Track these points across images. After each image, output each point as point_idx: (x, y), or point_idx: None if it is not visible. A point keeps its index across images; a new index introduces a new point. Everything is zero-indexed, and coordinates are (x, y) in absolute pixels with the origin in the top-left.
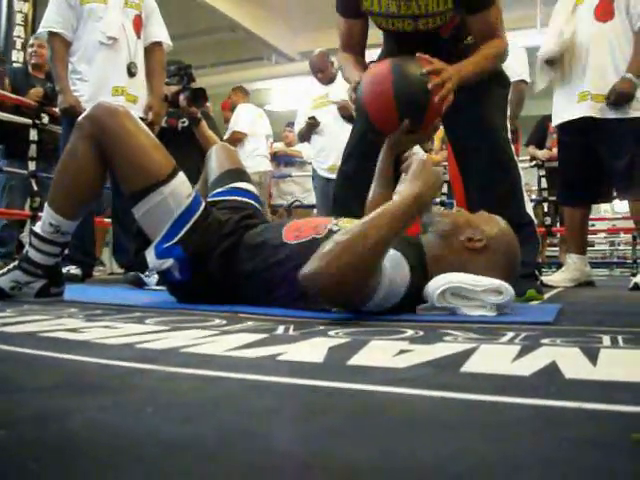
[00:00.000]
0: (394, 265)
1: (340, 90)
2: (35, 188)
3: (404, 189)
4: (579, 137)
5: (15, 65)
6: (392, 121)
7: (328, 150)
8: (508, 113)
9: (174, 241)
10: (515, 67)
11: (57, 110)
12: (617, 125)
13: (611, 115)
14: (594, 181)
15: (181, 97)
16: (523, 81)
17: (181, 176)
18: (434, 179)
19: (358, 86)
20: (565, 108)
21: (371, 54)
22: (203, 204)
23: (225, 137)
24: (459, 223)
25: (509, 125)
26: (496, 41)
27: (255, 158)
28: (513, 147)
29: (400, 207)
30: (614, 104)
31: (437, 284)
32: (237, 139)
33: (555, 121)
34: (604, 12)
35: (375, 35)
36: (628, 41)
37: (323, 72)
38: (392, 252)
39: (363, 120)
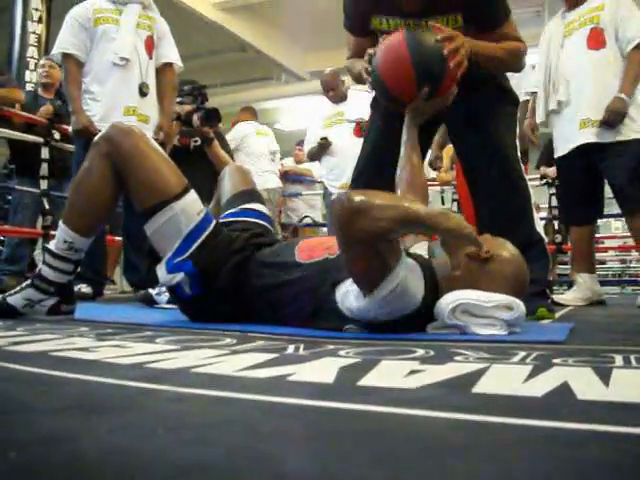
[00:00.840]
0: (412, 269)
1: (353, 108)
2: (47, 207)
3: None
4: (579, 159)
5: (27, 86)
6: (411, 88)
7: (341, 168)
8: (517, 132)
9: (185, 256)
10: (524, 86)
11: (69, 129)
12: (618, 147)
13: (611, 139)
14: (595, 199)
15: (195, 117)
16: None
17: (192, 194)
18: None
19: (373, 57)
20: (567, 138)
21: None
22: (214, 221)
23: None
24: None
25: (518, 144)
26: (514, 42)
27: (263, 175)
28: (523, 167)
29: (430, 215)
30: (609, 124)
31: (447, 301)
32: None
33: (558, 153)
34: (596, 41)
35: None
36: (620, 66)
37: (334, 90)
38: (411, 262)
39: (379, 93)
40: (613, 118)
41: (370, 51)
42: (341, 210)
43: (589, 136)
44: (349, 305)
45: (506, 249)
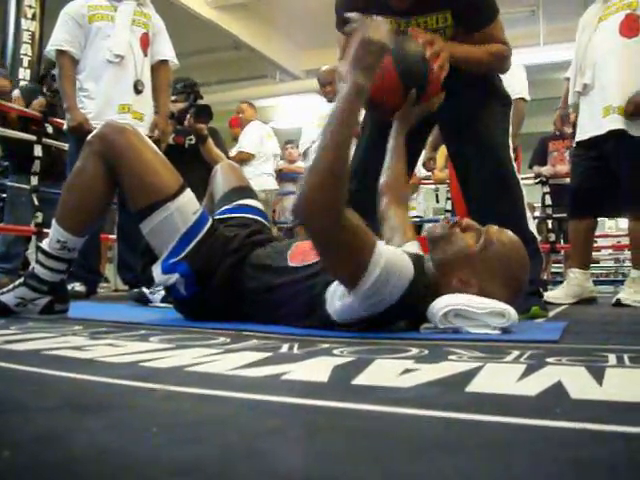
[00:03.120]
0: (394, 253)
1: None
2: (36, 203)
3: (345, 85)
4: (594, 150)
5: (21, 83)
6: (397, 94)
7: None
8: (510, 131)
9: (180, 257)
10: (514, 85)
11: (64, 125)
12: (636, 142)
13: (634, 132)
14: (605, 194)
15: (187, 115)
16: (522, 99)
17: (188, 193)
18: (369, 49)
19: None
20: (590, 124)
21: None
22: (210, 220)
23: (232, 156)
24: (458, 259)
25: (511, 143)
26: (498, 44)
27: (261, 176)
28: (515, 165)
29: (342, 106)
30: (632, 115)
31: (440, 305)
32: (243, 159)
33: (579, 137)
34: (630, 28)
35: None
36: None
37: (331, 85)
38: (392, 247)
39: (366, 112)
40: (635, 110)
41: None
42: (303, 213)
43: (613, 123)
44: (334, 308)
45: (508, 237)
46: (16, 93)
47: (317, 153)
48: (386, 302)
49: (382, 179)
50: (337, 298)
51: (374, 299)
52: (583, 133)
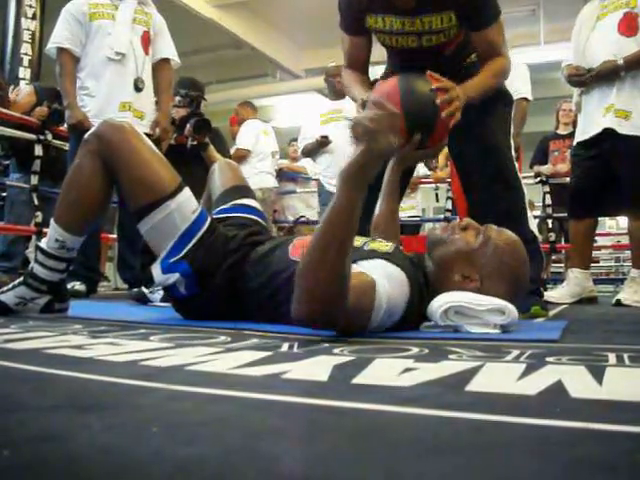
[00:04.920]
0: (392, 281)
1: (353, 106)
2: (36, 202)
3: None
4: (594, 149)
5: (21, 83)
6: (400, 136)
7: (337, 166)
8: (512, 131)
9: (180, 256)
10: (517, 85)
11: (64, 128)
12: (633, 142)
13: (629, 132)
14: (605, 194)
15: (187, 124)
16: (525, 99)
17: (187, 192)
18: (379, 129)
19: (366, 104)
20: (590, 123)
21: (375, 70)
22: (209, 219)
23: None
24: (459, 256)
25: (512, 142)
26: (499, 59)
27: (259, 174)
28: (516, 164)
29: (334, 208)
30: (596, 76)
31: (440, 302)
32: (241, 156)
33: (579, 137)
34: (629, 27)
35: (378, 51)
36: None
37: (339, 76)
38: (392, 268)
39: None
40: (600, 73)
41: (363, 96)
42: (312, 323)
43: (609, 122)
44: None
45: (507, 236)
46: (28, 89)
47: (307, 264)
48: (392, 320)
49: (376, 211)
50: None
51: (381, 326)
52: (583, 133)
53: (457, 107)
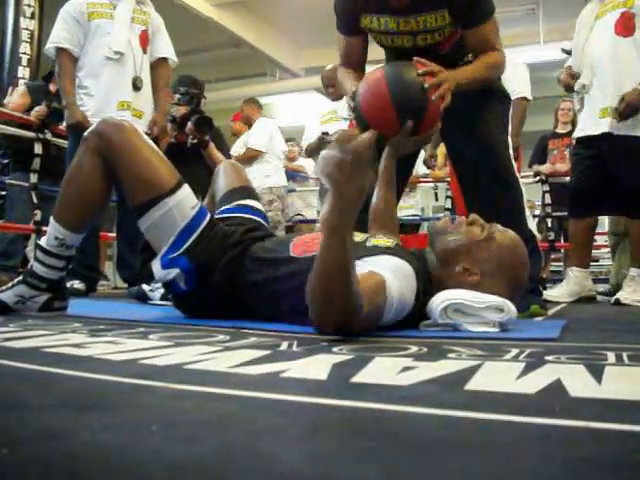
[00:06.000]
0: (400, 274)
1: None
2: (36, 201)
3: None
4: (593, 149)
5: (20, 82)
6: (392, 124)
7: None
8: (510, 129)
9: (180, 252)
10: (516, 84)
11: (63, 127)
12: (632, 142)
13: (627, 132)
14: (604, 193)
15: (189, 122)
16: (524, 98)
17: (186, 188)
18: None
19: (355, 95)
20: (589, 124)
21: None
22: (208, 215)
23: (242, 153)
24: (462, 247)
25: (511, 142)
26: (493, 53)
27: (278, 172)
28: (515, 164)
29: (325, 251)
30: (621, 115)
31: (439, 300)
32: (252, 156)
33: (578, 134)
34: (625, 27)
35: (375, 51)
36: None
37: (334, 87)
38: (398, 260)
39: (362, 129)
40: (627, 110)
41: (353, 87)
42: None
43: (607, 126)
44: None
45: (510, 234)
46: (21, 89)
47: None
48: (402, 315)
49: (373, 202)
50: None
51: (389, 320)
52: (582, 130)
53: (446, 89)
